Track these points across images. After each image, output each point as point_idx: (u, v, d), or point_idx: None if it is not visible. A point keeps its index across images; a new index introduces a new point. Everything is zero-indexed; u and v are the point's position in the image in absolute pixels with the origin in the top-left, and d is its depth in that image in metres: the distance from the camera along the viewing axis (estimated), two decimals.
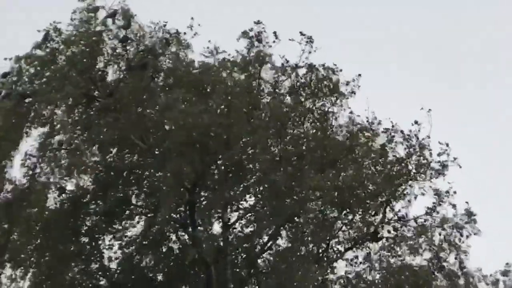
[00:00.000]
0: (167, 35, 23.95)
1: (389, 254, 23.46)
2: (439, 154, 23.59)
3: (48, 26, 23.44)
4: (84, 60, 23.35)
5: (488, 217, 24.39)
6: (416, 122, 23.95)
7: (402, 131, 24.08)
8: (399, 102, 36.11)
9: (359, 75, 24.70)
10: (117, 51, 23.74)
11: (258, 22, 24.48)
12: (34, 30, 23.67)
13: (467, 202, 23.26)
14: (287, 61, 24.67)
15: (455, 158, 23.62)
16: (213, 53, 24.47)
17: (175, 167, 22.48)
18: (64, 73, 23.22)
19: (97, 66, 23.67)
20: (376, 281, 23.86)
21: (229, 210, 24.42)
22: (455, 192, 23.37)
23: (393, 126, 24.17)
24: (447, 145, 23.64)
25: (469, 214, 23.11)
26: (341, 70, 24.71)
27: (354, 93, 24.72)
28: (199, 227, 23.90)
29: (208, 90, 23.82)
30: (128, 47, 23.77)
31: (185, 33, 23.99)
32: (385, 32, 45.15)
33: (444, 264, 23.41)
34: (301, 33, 24.41)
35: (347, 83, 24.67)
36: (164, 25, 23.94)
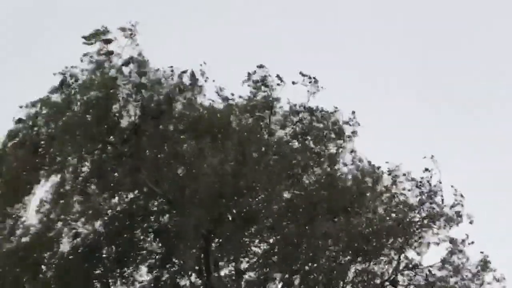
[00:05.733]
0: (180, 81, 23.95)
1: None
2: (452, 206, 23.73)
3: (64, 70, 23.36)
4: (100, 106, 23.32)
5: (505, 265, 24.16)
6: (426, 170, 24.12)
7: (413, 179, 24.28)
8: (402, 138, 35.67)
9: (353, 112, 24.82)
10: (132, 97, 23.70)
11: (261, 66, 24.41)
12: (44, 75, 23.71)
13: (482, 252, 23.40)
14: (294, 105, 24.77)
15: (469, 216, 23.77)
16: (222, 97, 24.52)
17: (195, 216, 22.61)
18: (79, 119, 23.19)
19: (112, 112, 23.63)
20: None
21: (242, 256, 24.50)
22: (472, 243, 23.49)
23: (404, 174, 24.41)
24: (462, 196, 23.78)
25: (485, 263, 23.20)
26: (337, 110, 24.78)
27: (356, 133, 24.88)
28: (213, 274, 23.89)
29: (219, 135, 23.88)
30: (143, 93, 23.76)
31: (197, 79, 23.97)
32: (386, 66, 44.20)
33: None
34: (302, 74, 24.43)
35: (347, 122, 24.83)
36: (183, 72, 23.92)
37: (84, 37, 23.04)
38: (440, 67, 44.46)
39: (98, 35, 23.00)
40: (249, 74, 24.47)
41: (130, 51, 23.31)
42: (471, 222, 23.63)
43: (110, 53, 23.26)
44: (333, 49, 42.84)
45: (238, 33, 42.19)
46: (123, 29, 23.03)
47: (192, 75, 23.79)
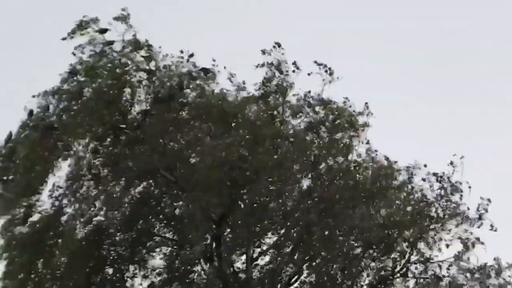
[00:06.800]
0: (193, 68, 23.77)
1: None
2: (478, 209, 23.07)
3: (73, 62, 23.43)
4: (111, 92, 23.29)
5: None
6: (451, 163, 23.48)
7: (435, 173, 23.75)
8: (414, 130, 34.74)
9: (366, 103, 24.40)
10: (143, 82, 23.62)
11: (278, 45, 23.80)
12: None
13: (495, 258, 22.83)
14: (308, 92, 24.35)
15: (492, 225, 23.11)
16: (235, 85, 24.21)
17: (203, 201, 22.54)
18: (91, 105, 23.18)
19: (123, 98, 23.59)
20: None
21: (255, 246, 24.35)
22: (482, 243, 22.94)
23: (425, 165, 23.91)
24: (489, 200, 23.04)
25: (498, 271, 22.66)
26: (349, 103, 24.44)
27: (368, 126, 24.53)
28: (224, 261, 23.80)
29: (233, 122, 23.71)
30: (154, 79, 23.66)
31: (210, 70, 23.82)
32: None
33: None
34: (316, 62, 24.00)
35: (360, 113, 24.43)
36: (191, 55, 23.71)
37: (72, 32, 22.94)
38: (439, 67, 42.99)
39: (87, 24, 22.88)
40: (263, 52, 23.84)
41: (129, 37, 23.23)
42: (495, 230, 23.02)
43: (110, 43, 23.15)
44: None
45: (251, 21, 41.55)
46: (117, 18, 22.93)
47: (204, 69, 23.62)
